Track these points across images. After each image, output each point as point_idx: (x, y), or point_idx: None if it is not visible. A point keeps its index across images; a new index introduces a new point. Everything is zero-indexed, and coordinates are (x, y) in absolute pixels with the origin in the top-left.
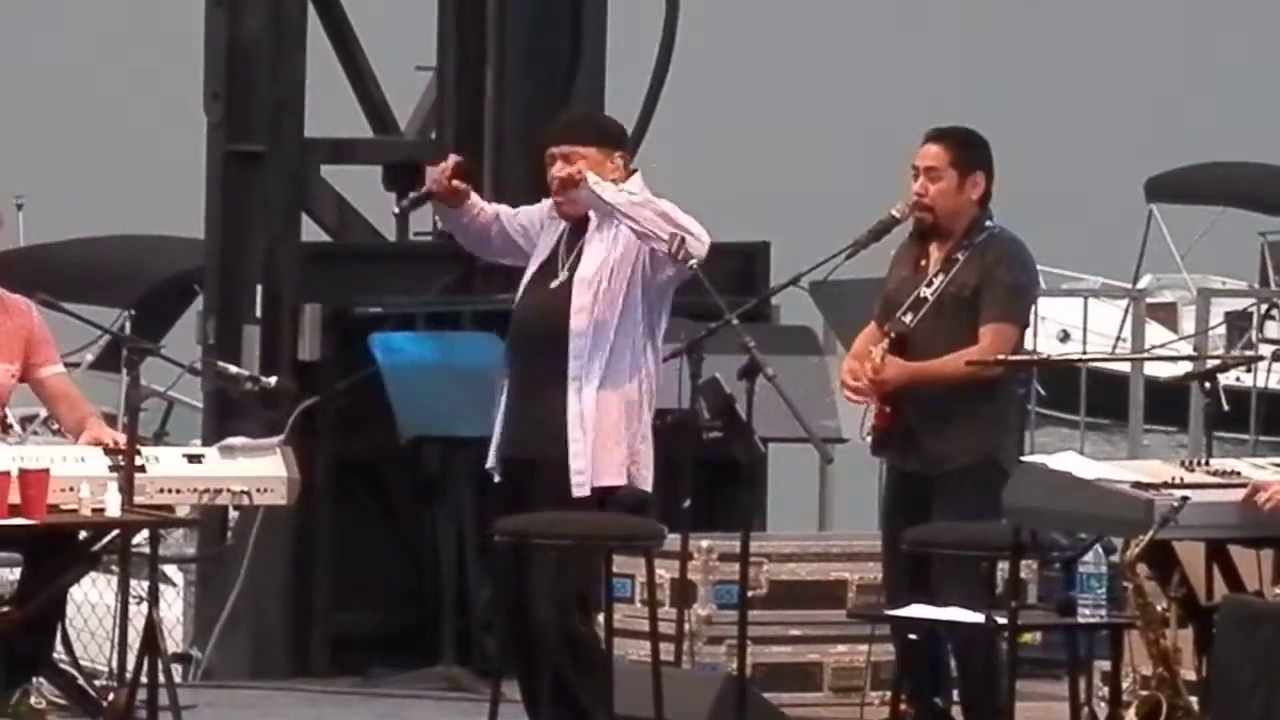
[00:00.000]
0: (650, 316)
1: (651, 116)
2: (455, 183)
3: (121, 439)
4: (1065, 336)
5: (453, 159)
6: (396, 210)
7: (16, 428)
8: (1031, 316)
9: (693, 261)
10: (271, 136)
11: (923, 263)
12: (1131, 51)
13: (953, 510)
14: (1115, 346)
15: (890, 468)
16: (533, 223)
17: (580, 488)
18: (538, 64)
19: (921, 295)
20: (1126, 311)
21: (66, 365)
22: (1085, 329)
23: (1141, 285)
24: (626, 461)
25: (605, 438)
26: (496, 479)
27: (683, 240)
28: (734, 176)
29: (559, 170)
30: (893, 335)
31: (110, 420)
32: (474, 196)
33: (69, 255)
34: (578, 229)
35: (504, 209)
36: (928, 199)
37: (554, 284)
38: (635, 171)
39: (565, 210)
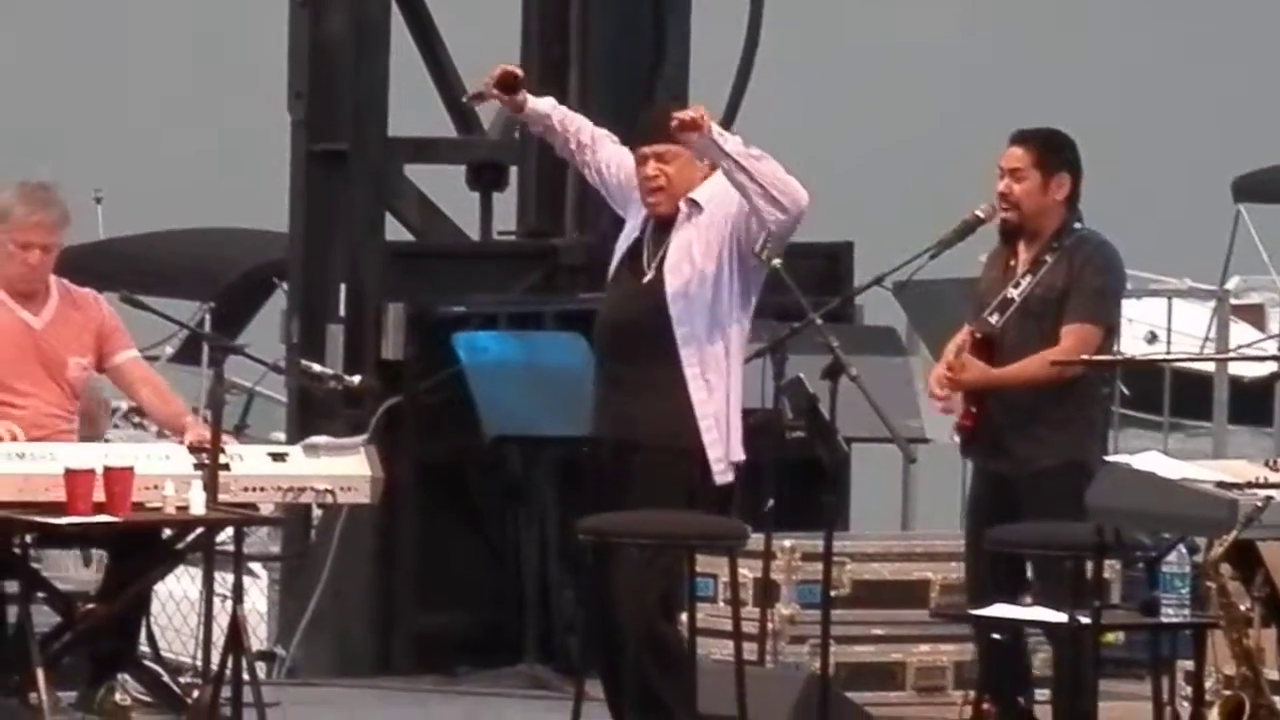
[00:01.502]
0: (745, 294)
1: (735, 117)
2: (495, 90)
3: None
4: (1152, 338)
5: (499, 69)
6: (465, 99)
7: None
8: (1118, 319)
9: (776, 261)
10: (355, 136)
11: (1011, 263)
12: (1217, 47)
13: (1039, 512)
14: (1202, 347)
15: (977, 468)
16: (618, 171)
17: (723, 475)
18: (621, 64)
19: (1008, 296)
20: (1214, 312)
21: (147, 358)
22: (1169, 329)
23: (1229, 286)
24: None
25: (733, 419)
26: (590, 468)
27: (766, 239)
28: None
29: (651, 169)
30: (978, 335)
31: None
32: (537, 105)
33: (147, 249)
34: (661, 225)
35: (599, 134)
36: (1012, 198)
37: (645, 279)
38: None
39: (661, 207)
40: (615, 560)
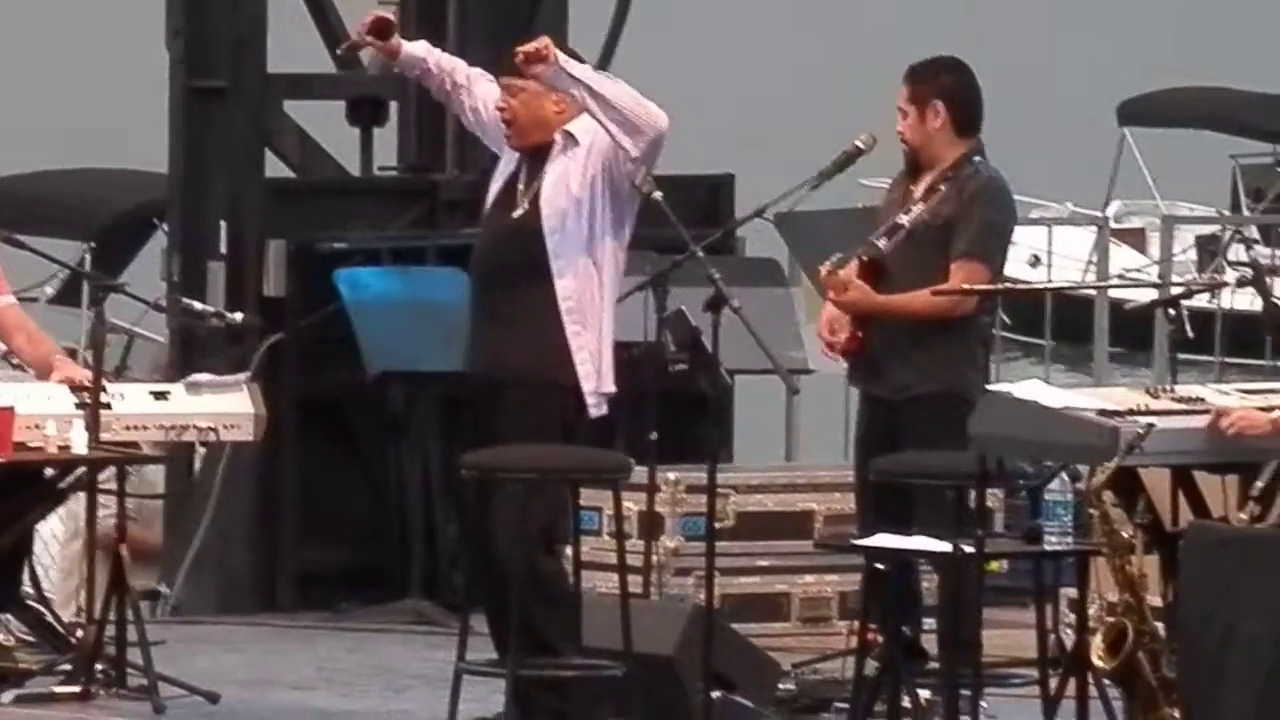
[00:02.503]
0: (619, 225)
1: (615, 48)
2: (368, 38)
3: (87, 374)
4: (1036, 261)
5: (371, 14)
6: (340, 50)
7: None
8: (1004, 255)
9: (657, 194)
10: (233, 72)
11: (910, 190)
12: None
13: (917, 439)
14: (1086, 271)
15: (862, 397)
16: (492, 109)
17: (596, 408)
18: (499, 1)
19: (898, 222)
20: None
21: (26, 299)
22: (1050, 256)
23: (1110, 211)
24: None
25: (604, 352)
26: (466, 403)
27: (647, 173)
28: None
29: (499, 100)
30: (864, 258)
31: (71, 354)
32: (412, 50)
33: (28, 188)
34: (535, 158)
35: (474, 74)
36: (903, 136)
37: (516, 214)
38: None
39: (513, 140)
40: (496, 495)
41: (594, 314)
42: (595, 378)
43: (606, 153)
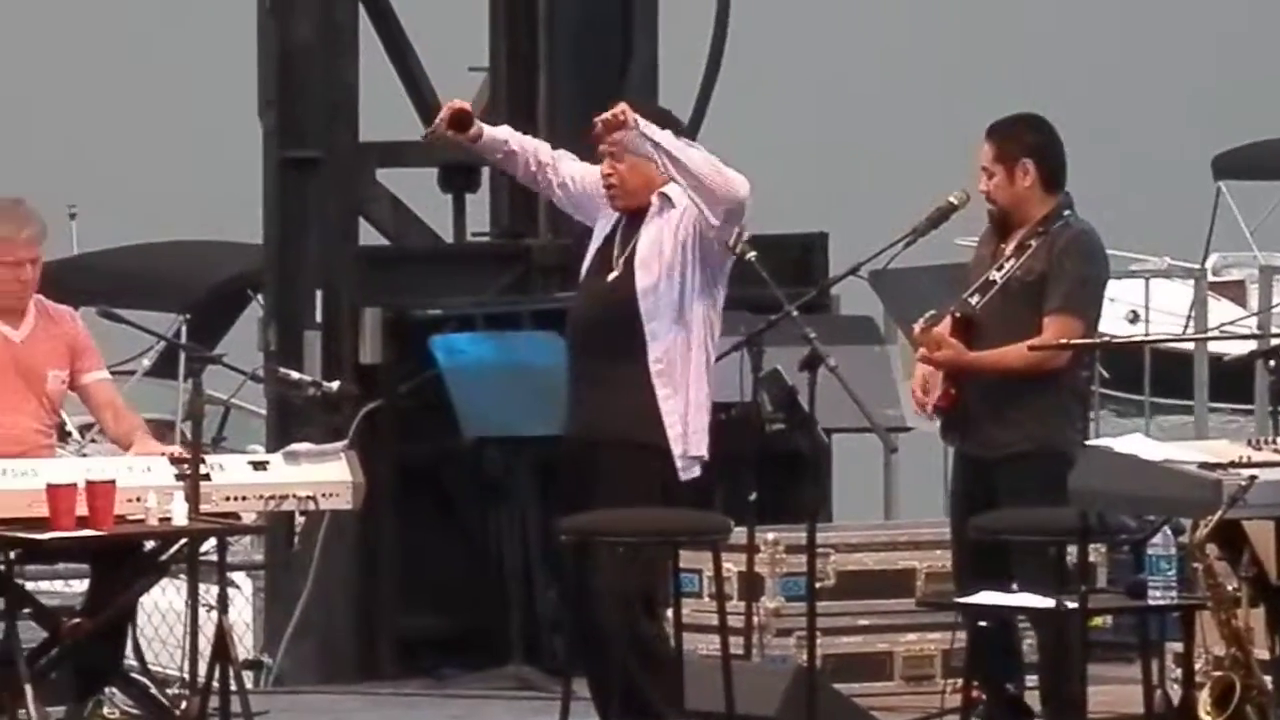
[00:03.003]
0: (710, 287)
1: (705, 112)
2: (449, 132)
3: (171, 450)
4: (1135, 318)
5: (447, 107)
6: (423, 138)
7: (75, 435)
8: (1099, 311)
9: (751, 255)
10: (326, 142)
11: (1001, 246)
12: (1196, 25)
13: (1013, 497)
14: (1185, 326)
15: (957, 454)
16: (581, 183)
17: (687, 470)
18: (589, 63)
19: (990, 278)
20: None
21: (123, 373)
22: (1148, 309)
23: (1209, 264)
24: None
25: (692, 416)
26: (563, 466)
27: (740, 234)
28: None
29: (606, 167)
30: (957, 315)
31: (166, 427)
32: (494, 133)
33: (122, 263)
34: (632, 221)
35: (559, 153)
36: (990, 195)
37: (611, 276)
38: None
39: (618, 203)
40: (595, 560)
41: (683, 377)
42: (683, 441)
43: (697, 216)
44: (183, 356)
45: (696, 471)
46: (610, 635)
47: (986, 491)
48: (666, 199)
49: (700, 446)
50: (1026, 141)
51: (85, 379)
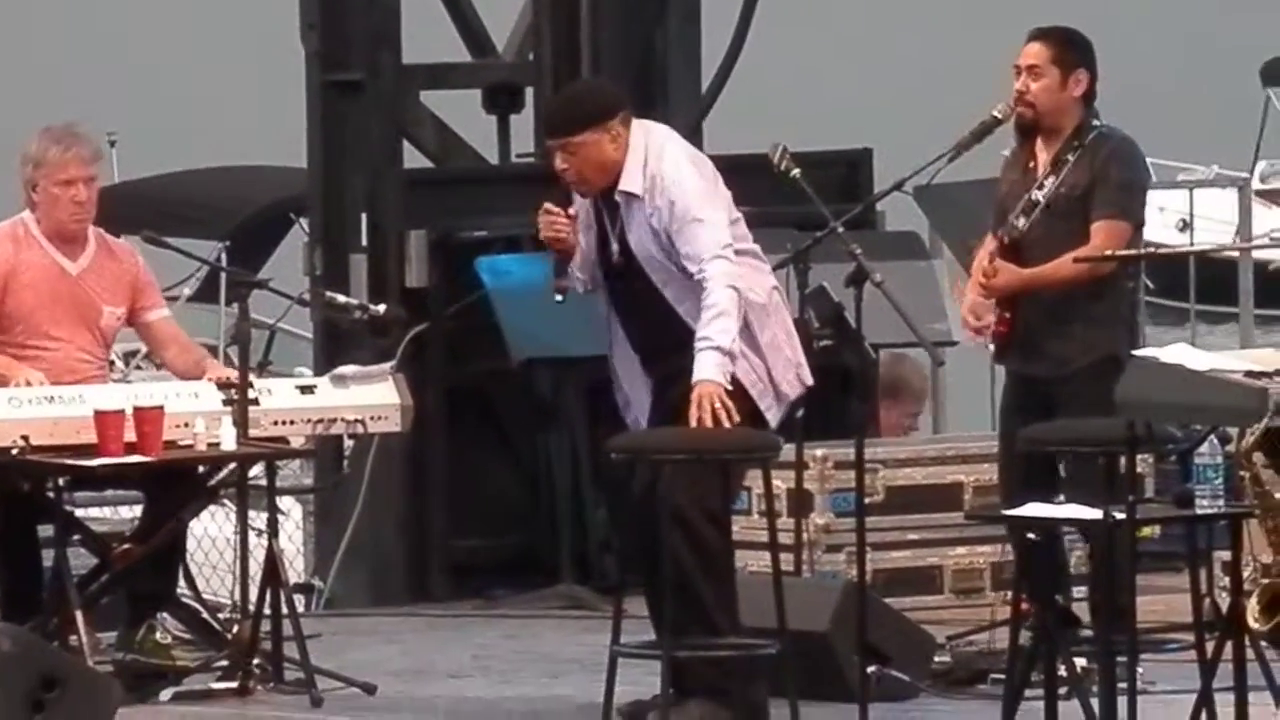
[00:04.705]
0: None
1: (748, 29)
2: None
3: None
4: (1184, 226)
5: (563, 215)
6: (560, 299)
7: (120, 364)
8: (1145, 213)
9: (795, 172)
10: (369, 65)
11: (1031, 165)
12: None
13: (1077, 410)
14: (1236, 233)
15: (1010, 372)
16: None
17: (772, 413)
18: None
19: (1033, 198)
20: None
21: (166, 299)
22: (1191, 219)
23: (1256, 172)
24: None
25: (776, 368)
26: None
27: (783, 150)
28: (834, 84)
29: (559, 163)
30: (1005, 240)
31: (211, 351)
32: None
33: (164, 190)
34: (609, 204)
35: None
36: (1029, 95)
37: (616, 261)
38: (629, 124)
39: (583, 189)
40: (655, 474)
41: (748, 342)
42: (770, 394)
43: (667, 223)
44: (225, 281)
45: (778, 413)
46: (671, 535)
47: (1041, 405)
48: (628, 195)
49: (792, 388)
50: (1084, 54)
51: (148, 316)
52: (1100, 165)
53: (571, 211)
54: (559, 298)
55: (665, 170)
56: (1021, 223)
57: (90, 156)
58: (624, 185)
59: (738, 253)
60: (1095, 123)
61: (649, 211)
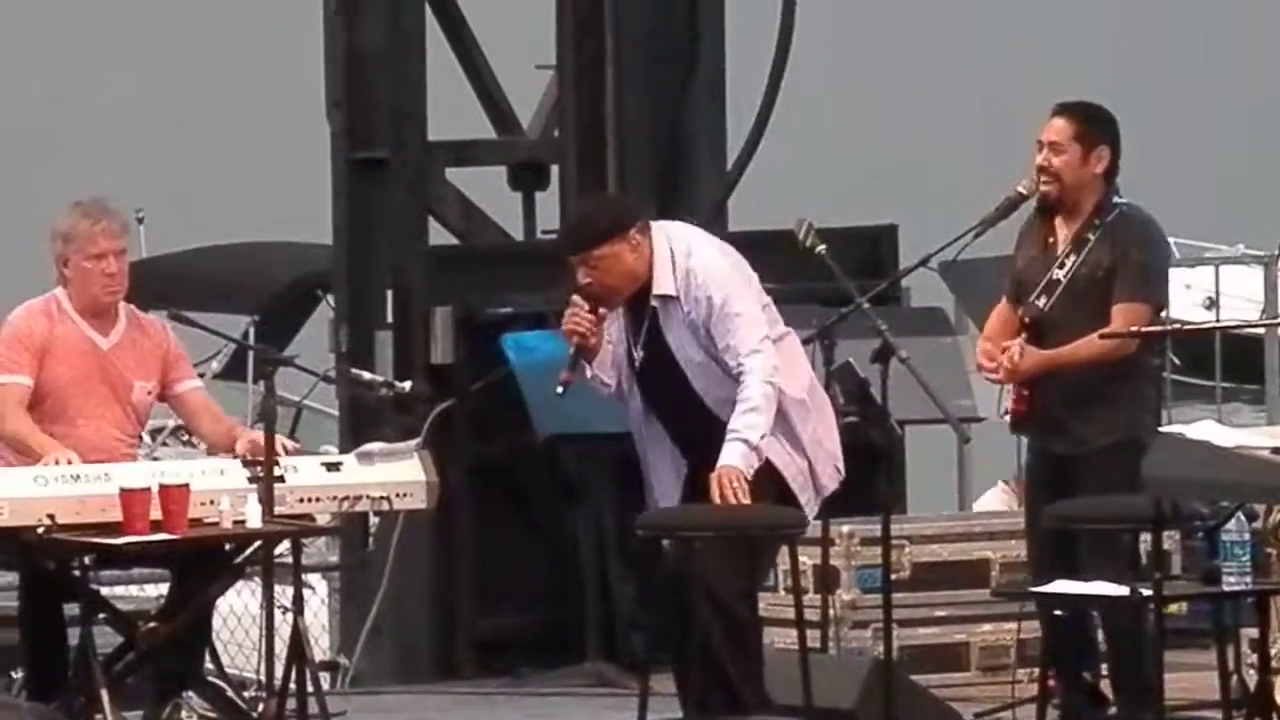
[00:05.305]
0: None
1: (774, 104)
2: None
3: (277, 441)
4: (1210, 303)
5: (585, 310)
6: (561, 391)
7: (146, 439)
8: (1167, 295)
9: (820, 248)
10: (394, 142)
11: (1050, 240)
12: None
13: (1096, 490)
14: (1263, 313)
15: (1033, 446)
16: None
17: (810, 507)
18: (657, 57)
19: (1054, 278)
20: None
21: None
22: (1218, 296)
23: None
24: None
25: (817, 461)
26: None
27: (809, 226)
28: (859, 160)
29: (582, 278)
30: (1026, 320)
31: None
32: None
33: (191, 265)
34: (638, 311)
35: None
36: (1052, 170)
37: (636, 363)
38: (647, 231)
39: (611, 303)
40: (690, 551)
41: (787, 434)
42: (809, 488)
43: (705, 318)
44: (253, 358)
45: (817, 506)
46: (704, 613)
47: (1065, 482)
48: (664, 299)
49: (829, 481)
50: (1107, 130)
51: (180, 388)
52: (1123, 247)
53: (602, 311)
54: (560, 389)
55: (695, 266)
56: (1043, 302)
57: (120, 229)
58: (658, 289)
59: (775, 340)
60: (1116, 200)
61: (686, 309)
